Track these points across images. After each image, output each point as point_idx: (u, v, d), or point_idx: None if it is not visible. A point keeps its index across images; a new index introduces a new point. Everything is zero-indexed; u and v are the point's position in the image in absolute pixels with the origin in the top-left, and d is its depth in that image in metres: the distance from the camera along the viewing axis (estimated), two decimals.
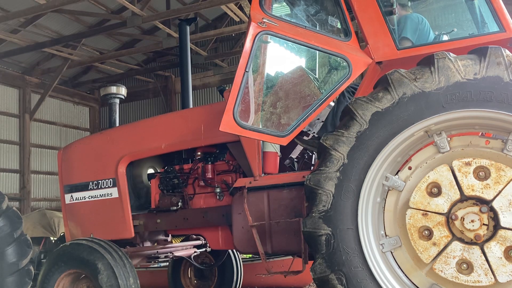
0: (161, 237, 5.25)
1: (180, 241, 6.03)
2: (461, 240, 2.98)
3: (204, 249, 5.73)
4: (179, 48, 9.99)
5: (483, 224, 2.93)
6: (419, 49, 3.65)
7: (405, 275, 3.11)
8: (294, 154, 4.35)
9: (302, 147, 4.44)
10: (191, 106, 9.48)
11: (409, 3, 4.21)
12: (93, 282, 4.19)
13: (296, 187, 3.86)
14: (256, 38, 3.58)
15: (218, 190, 4.41)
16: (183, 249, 5.49)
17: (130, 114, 19.70)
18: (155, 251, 5.06)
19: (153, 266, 7.53)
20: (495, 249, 2.89)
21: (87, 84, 19.79)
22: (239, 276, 6.04)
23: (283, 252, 4.13)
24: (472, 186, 2.96)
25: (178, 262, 6.13)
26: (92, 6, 14.86)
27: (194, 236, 5.72)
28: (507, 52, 2.97)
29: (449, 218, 3.00)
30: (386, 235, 3.17)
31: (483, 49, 3.00)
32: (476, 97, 2.94)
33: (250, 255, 7.84)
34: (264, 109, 3.93)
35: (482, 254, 2.91)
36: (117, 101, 5.56)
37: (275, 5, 3.91)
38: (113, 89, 5.51)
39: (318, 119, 4.55)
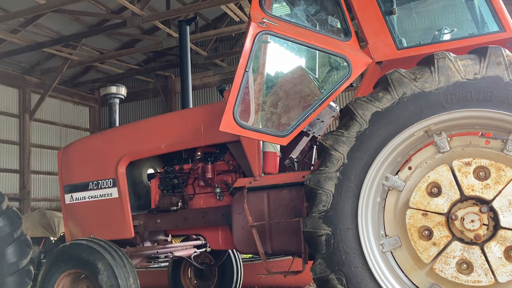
0: (161, 237, 5.25)
1: (180, 241, 6.03)
2: (461, 240, 2.98)
3: (204, 249, 5.72)
4: (179, 48, 9.97)
5: (483, 224, 2.93)
6: (419, 49, 3.65)
7: (405, 275, 3.11)
8: (294, 154, 4.34)
9: (302, 147, 4.44)
10: (191, 106, 9.46)
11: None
12: (93, 282, 4.19)
13: (296, 187, 3.86)
14: (256, 38, 3.57)
15: (218, 190, 4.41)
16: (183, 249, 5.49)
17: (130, 114, 19.70)
18: (155, 251, 5.06)
19: (153, 266, 7.54)
20: (495, 249, 2.89)
21: (87, 84, 19.80)
22: (239, 276, 6.04)
23: (283, 252, 4.13)
24: (472, 186, 2.96)
25: (178, 262, 6.13)
26: (92, 6, 14.86)
27: (194, 236, 5.72)
28: (507, 52, 2.97)
29: (449, 218, 3.00)
30: (386, 235, 3.17)
31: (483, 49, 3.00)
32: (476, 97, 2.94)
33: (250, 255, 7.84)
34: (264, 109, 3.92)
35: (482, 254, 2.91)
36: (117, 101, 5.55)
37: (275, 5, 3.90)
38: (113, 89, 5.51)
39: (318, 119, 4.55)
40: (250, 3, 3.79)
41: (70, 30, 15.98)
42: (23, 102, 17.11)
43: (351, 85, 3.85)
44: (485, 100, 2.93)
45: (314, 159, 4.87)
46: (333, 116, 4.77)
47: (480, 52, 3.01)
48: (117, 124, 5.47)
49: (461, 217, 2.95)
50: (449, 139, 3.11)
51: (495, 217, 2.92)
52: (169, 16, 13.92)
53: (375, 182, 3.13)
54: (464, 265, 2.95)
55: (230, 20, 16.81)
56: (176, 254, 5.24)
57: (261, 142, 4.09)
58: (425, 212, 3.03)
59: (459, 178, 2.99)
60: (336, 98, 4.01)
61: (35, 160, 17.38)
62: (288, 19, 3.81)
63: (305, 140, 4.42)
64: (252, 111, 3.77)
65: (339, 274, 3.07)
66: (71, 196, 5.05)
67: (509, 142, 2.97)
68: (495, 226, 2.92)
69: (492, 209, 2.92)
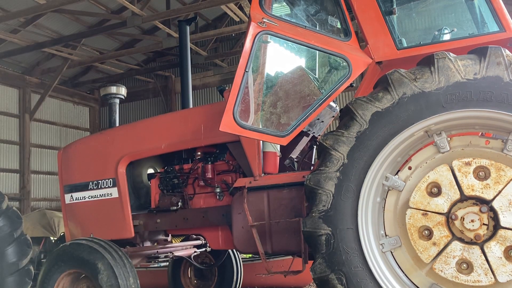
0: (161, 237, 5.25)
1: (180, 241, 6.03)
2: (461, 240, 2.98)
3: (204, 249, 5.73)
4: (179, 48, 9.98)
5: (483, 224, 2.93)
6: (419, 49, 3.65)
7: (405, 275, 3.11)
8: (294, 154, 4.34)
9: (302, 147, 4.44)
10: (191, 106, 9.47)
11: None
12: (93, 282, 4.19)
13: (296, 187, 3.86)
14: (256, 38, 3.58)
15: (218, 190, 4.41)
16: (183, 249, 5.49)
17: (130, 114, 19.70)
18: (155, 251, 5.06)
19: (153, 266, 7.54)
20: (495, 249, 2.89)
21: (87, 84, 19.80)
22: (239, 276, 6.04)
23: (283, 252, 4.13)
24: (472, 186, 2.96)
25: (178, 262, 6.13)
26: (92, 6, 14.87)
27: (194, 236, 5.72)
28: (507, 52, 2.97)
29: (449, 218, 3.00)
30: (386, 235, 3.17)
31: (483, 49, 3.00)
32: (476, 97, 2.94)
33: (250, 255, 7.84)
34: (264, 109, 3.92)
35: (482, 254, 2.91)
36: (117, 101, 5.55)
37: (275, 5, 3.90)
38: (113, 89, 5.50)
39: (318, 119, 4.55)
40: (250, 3, 3.79)
41: (70, 30, 15.99)
42: (23, 102, 17.12)
43: (351, 85, 3.85)
44: (485, 100, 2.93)
45: (314, 159, 4.87)
46: (333, 116, 4.77)
47: (480, 52, 3.01)
48: (117, 124, 5.47)
49: (461, 217, 2.95)
50: (449, 139, 3.11)
51: (495, 217, 2.92)
52: (169, 16, 13.93)
53: (375, 182, 3.13)
54: (464, 265, 2.95)
55: (230, 20, 16.81)
56: (176, 254, 5.24)
57: (261, 142, 4.09)
58: (425, 212, 3.03)
59: (459, 178, 2.99)
60: (336, 98, 4.01)
61: (35, 160, 17.38)
62: (288, 19, 3.81)
63: (305, 140, 4.42)
64: (252, 111, 3.77)
65: (339, 274, 3.07)
66: (71, 196, 5.05)
67: (509, 142, 2.97)
68: (495, 226, 2.92)
69: (492, 209, 2.93)
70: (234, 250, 5.88)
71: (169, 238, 5.38)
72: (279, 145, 4.18)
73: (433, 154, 3.14)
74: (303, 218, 3.24)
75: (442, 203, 3.01)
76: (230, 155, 4.45)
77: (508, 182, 2.90)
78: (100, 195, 4.84)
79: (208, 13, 17.42)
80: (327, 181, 3.13)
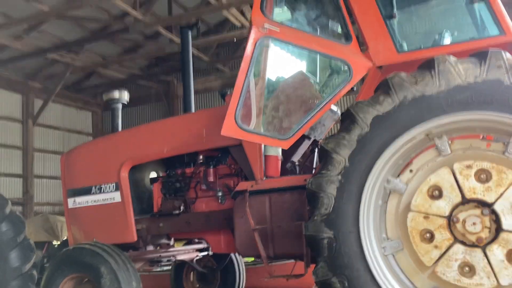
0: (164, 241, 5.25)
1: (183, 245, 6.03)
2: (463, 243, 2.98)
3: (206, 253, 5.73)
4: (181, 53, 10.04)
5: (485, 226, 2.93)
6: (420, 52, 3.67)
7: (407, 278, 3.11)
8: (296, 158, 4.35)
9: (304, 151, 4.46)
10: (193, 110, 9.50)
11: None
12: (96, 286, 4.20)
13: (298, 191, 3.86)
14: (258, 42, 3.60)
15: (220, 193, 4.42)
16: (186, 253, 5.49)
17: (133, 119, 19.75)
18: (158, 255, 5.06)
19: (155, 270, 7.53)
20: (497, 252, 2.88)
21: (90, 89, 19.88)
22: (242, 279, 6.03)
23: (285, 256, 4.13)
24: (474, 188, 2.97)
25: (180, 266, 6.13)
26: (95, 12, 14.96)
27: (197, 240, 5.72)
28: (508, 55, 2.98)
29: (450, 221, 3.00)
30: (387, 238, 3.17)
31: (483, 53, 3.01)
32: (477, 100, 2.95)
33: (253, 259, 7.83)
34: (266, 113, 3.94)
35: (484, 257, 2.90)
36: (120, 106, 5.58)
37: (276, 10, 3.93)
38: (116, 94, 5.54)
39: (319, 122, 4.57)
40: (251, 8, 3.82)
41: (73, 36, 16.07)
42: (26, 107, 17.21)
43: (352, 89, 3.87)
44: (485, 103, 2.93)
45: (316, 162, 4.88)
46: (335, 120, 4.78)
47: (480, 55, 3.02)
48: (120, 129, 5.50)
49: (463, 220, 2.95)
50: (450, 142, 3.11)
51: (497, 219, 2.92)
52: (171, 22, 14.00)
53: (376, 185, 3.14)
54: (466, 268, 2.95)
55: (232, 26, 16.88)
56: (179, 257, 5.24)
57: (262, 145, 4.11)
58: (426, 215, 3.03)
59: (460, 181, 2.99)
60: (337, 101, 4.03)
61: (38, 164, 17.45)
62: (289, 23, 3.84)
63: (306, 144, 4.44)
64: (254, 115, 3.79)
65: (341, 277, 3.07)
66: (74, 200, 5.06)
67: (510, 144, 2.97)
68: (497, 229, 2.92)
69: (494, 212, 2.93)
70: (236, 254, 5.88)
71: (171, 242, 5.39)
72: (280, 149, 4.19)
73: (434, 157, 3.15)
74: (305, 222, 3.25)
75: (443, 206, 3.01)
76: (232, 159, 4.46)
77: (510, 185, 2.90)
78: (102, 199, 4.85)
79: (210, 18, 17.50)
80: (329, 185, 3.14)
